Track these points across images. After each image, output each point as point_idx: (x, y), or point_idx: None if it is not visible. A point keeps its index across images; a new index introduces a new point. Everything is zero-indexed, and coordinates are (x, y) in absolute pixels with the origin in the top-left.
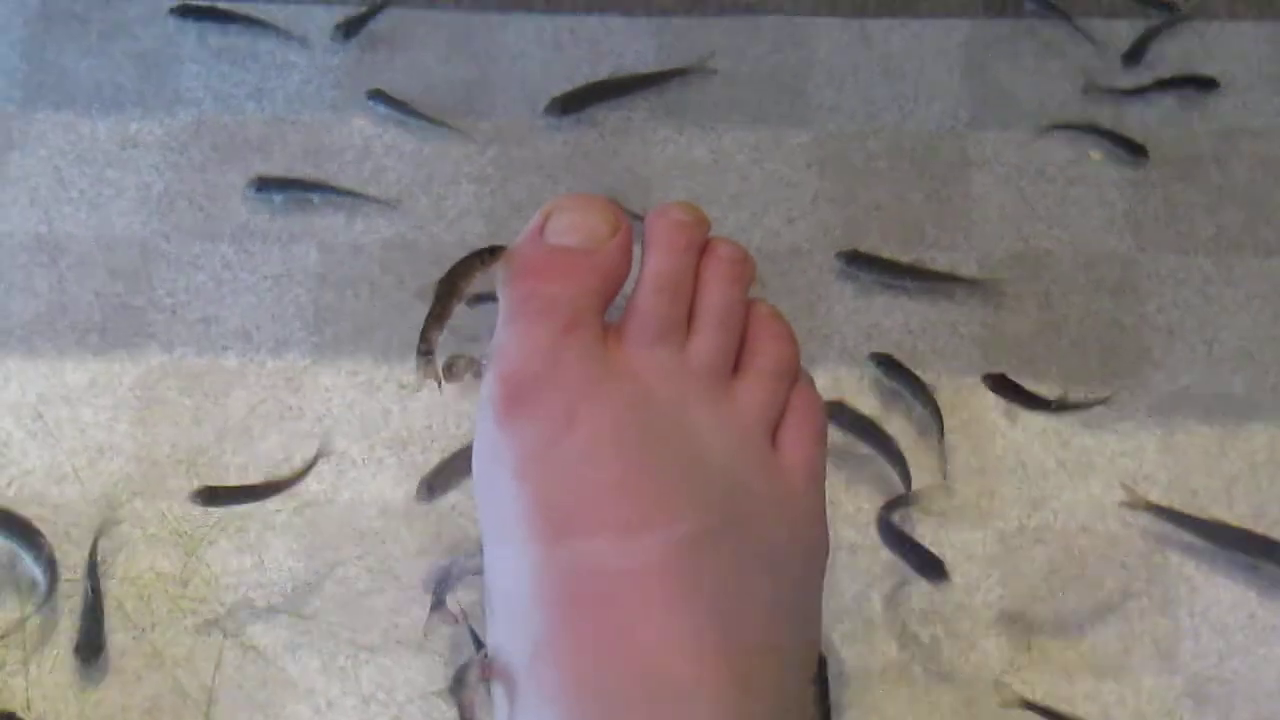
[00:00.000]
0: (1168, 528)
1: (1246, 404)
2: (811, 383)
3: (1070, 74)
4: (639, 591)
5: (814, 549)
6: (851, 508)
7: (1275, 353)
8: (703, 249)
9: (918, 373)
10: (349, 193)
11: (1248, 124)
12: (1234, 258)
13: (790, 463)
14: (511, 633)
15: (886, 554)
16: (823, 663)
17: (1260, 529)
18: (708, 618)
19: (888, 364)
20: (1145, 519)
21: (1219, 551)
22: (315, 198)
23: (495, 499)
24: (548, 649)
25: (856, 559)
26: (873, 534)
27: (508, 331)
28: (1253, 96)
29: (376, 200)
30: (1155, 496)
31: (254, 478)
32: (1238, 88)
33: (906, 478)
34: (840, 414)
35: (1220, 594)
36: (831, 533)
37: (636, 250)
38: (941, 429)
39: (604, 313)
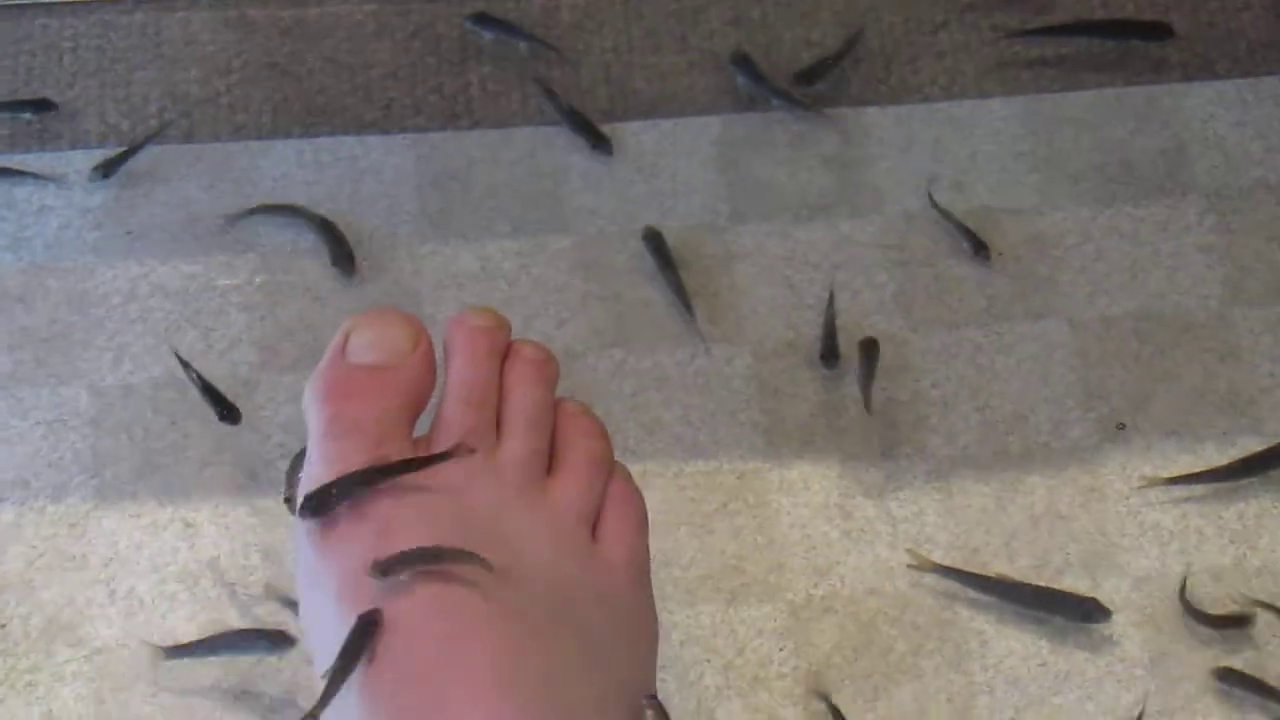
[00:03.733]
0: (955, 585)
1: (1022, 460)
2: (627, 473)
3: (826, 163)
4: (468, 695)
5: (642, 639)
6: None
7: (1047, 412)
8: (505, 353)
9: (701, 463)
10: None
11: (1005, 204)
12: (1004, 326)
13: (613, 554)
14: None
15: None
16: None
17: (1044, 579)
18: (538, 717)
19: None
20: (932, 579)
21: (1007, 606)
22: None
23: (319, 623)
24: None
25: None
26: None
27: (318, 454)
28: (1008, 174)
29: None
30: (938, 557)
31: (38, 627)
32: (992, 166)
33: None
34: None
35: (1012, 645)
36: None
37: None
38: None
39: (412, 427)
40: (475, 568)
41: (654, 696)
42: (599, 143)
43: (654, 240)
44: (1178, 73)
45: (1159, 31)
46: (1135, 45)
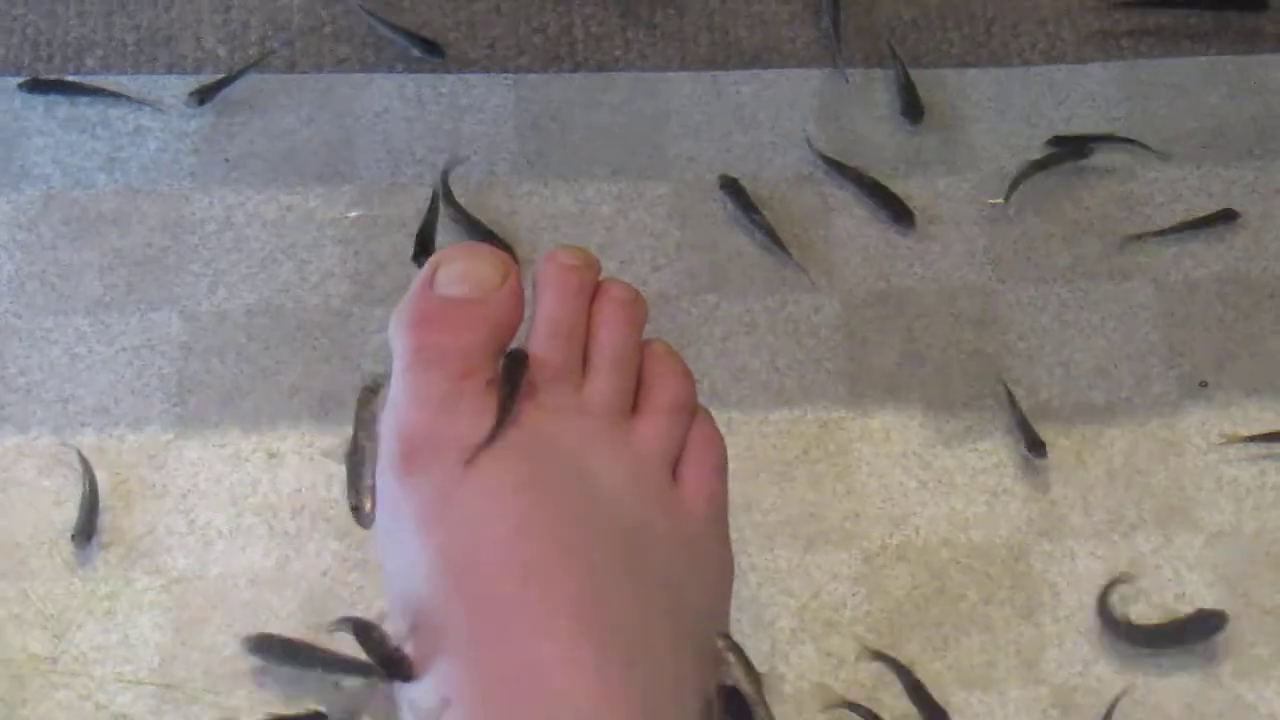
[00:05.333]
0: (1030, 537)
1: (1103, 415)
2: (709, 417)
3: (925, 121)
4: (543, 629)
5: (718, 580)
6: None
7: (1129, 368)
8: (594, 291)
9: (784, 411)
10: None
11: (1099, 163)
12: (1089, 284)
13: (692, 497)
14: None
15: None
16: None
17: (1117, 533)
18: (611, 652)
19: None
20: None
21: (1080, 558)
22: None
23: (399, 551)
24: (453, 681)
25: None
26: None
27: (402, 384)
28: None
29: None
30: (1012, 509)
31: (119, 554)
32: (1089, 129)
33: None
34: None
35: (1083, 598)
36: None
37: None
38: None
39: (497, 360)
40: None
41: (728, 635)
42: (431, 49)
43: (732, 187)
44: (1271, 43)
45: (1253, 3)
46: (1230, 16)
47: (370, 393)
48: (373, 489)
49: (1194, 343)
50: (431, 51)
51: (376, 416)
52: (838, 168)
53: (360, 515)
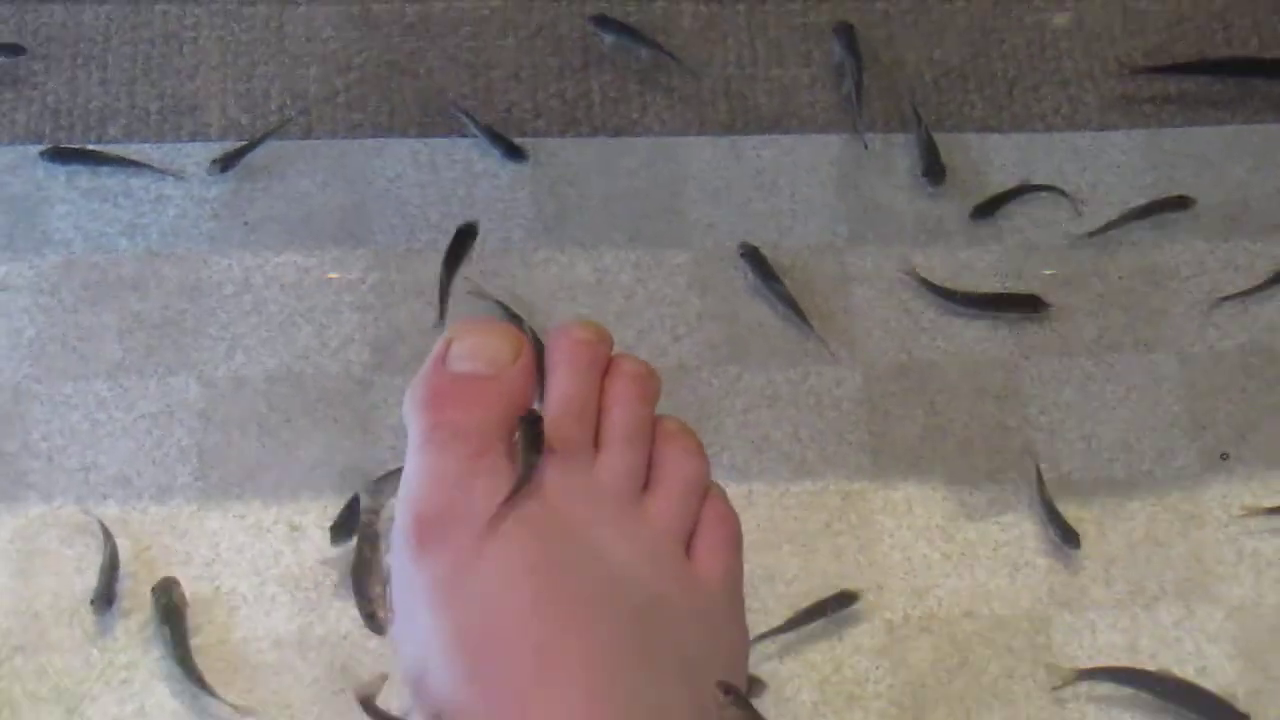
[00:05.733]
0: (1052, 610)
1: (1125, 486)
2: (723, 493)
3: (946, 189)
4: (559, 711)
5: (733, 657)
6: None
7: (1152, 440)
8: (607, 366)
9: (807, 483)
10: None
11: (1123, 235)
12: (1114, 357)
13: (706, 572)
14: None
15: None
16: None
17: (1138, 605)
18: None
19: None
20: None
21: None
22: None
23: (413, 630)
24: None
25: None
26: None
27: (416, 462)
28: (1128, 206)
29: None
30: (1034, 581)
31: (139, 622)
32: (1113, 200)
33: None
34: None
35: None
36: None
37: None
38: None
39: (511, 437)
40: None
41: (725, 682)
42: (512, 152)
43: (752, 256)
44: None
45: (1279, 70)
46: (1255, 84)
47: (371, 500)
48: (384, 595)
49: (1216, 414)
50: (513, 154)
51: (378, 526)
52: (947, 294)
53: (374, 623)
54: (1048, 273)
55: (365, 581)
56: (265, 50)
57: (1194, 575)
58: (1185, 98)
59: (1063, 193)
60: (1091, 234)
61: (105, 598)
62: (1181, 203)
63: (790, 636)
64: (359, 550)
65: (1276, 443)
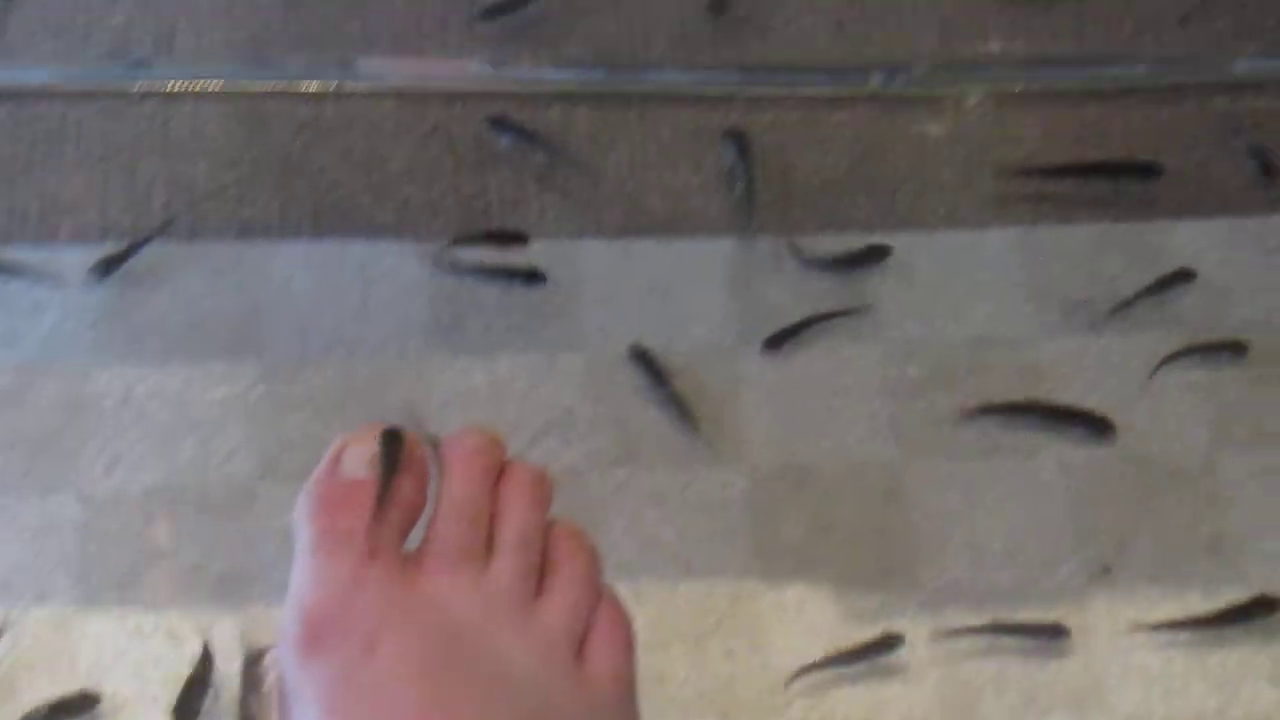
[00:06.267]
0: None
1: (1013, 596)
2: (616, 596)
3: (832, 288)
4: None
5: None
6: None
7: (1036, 548)
8: (500, 472)
9: (695, 582)
10: None
11: (1001, 333)
12: (996, 460)
13: (599, 675)
14: None
15: None
16: None
17: (1031, 715)
18: None
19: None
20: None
21: None
22: None
23: None
24: None
25: None
26: None
27: (305, 566)
28: (1005, 303)
29: None
30: (928, 692)
31: None
32: (990, 295)
33: None
34: None
35: None
36: None
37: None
38: None
39: (402, 542)
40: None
41: None
42: (532, 279)
43: (642, 356)
44: (1166, 210)
45: (1147, 171)
46: (1126, 184)
47: (254, 661)
48: None
49: (1099, 523)
50: (533, 280)
51: (261, 683)
52: (1011, 410)
53: None
54: (921, 374)
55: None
56: (149, 146)
57: (1086, 686)
58: (1059, 198)
59: (855, 311)
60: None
61: None
62: None
63: None
64: (243, 704)
65: (1155, 555)
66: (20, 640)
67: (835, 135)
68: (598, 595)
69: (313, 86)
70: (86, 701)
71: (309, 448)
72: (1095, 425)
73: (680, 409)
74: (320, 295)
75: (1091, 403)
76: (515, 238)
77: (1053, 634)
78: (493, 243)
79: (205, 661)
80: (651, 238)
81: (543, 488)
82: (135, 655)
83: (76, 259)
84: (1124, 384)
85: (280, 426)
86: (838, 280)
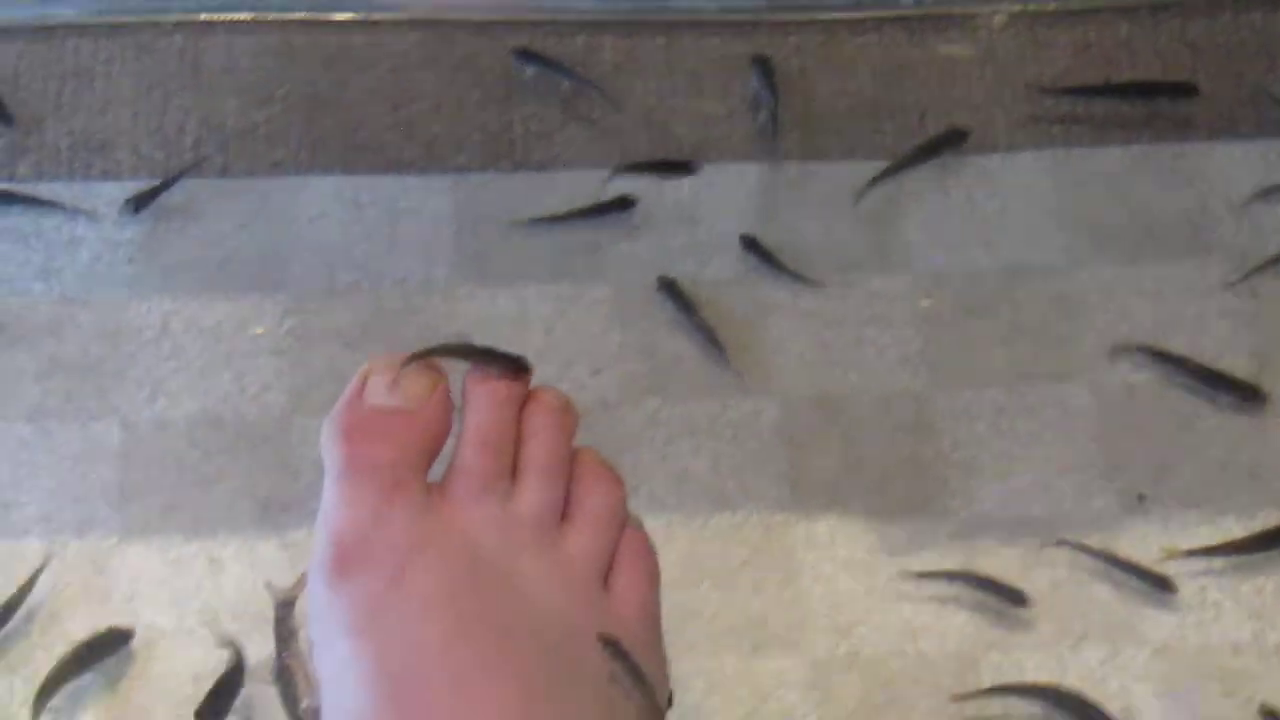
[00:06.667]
0: (978, 648)
1: (1045, 526)
2: (640, 525)
3: (860, 217)
4: None
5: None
6: None
7: (1069, 480)
8: (524, 400)
9: (727, 515)
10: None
11: (1032, 261)
12: (1026, 388)
13: (623, 605)
14: None
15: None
16: None
17: (1064, 645)
18: None
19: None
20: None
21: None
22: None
23: (331, 656)
24: None
25: None
26: None
27: (333, 495)
28: (1037, 230)
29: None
30: (961, 620)
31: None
32: (1021, 221)
33: None
34: None
35: (1033, 712)
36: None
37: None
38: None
39: (428, 470)
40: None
41: (607, 637)
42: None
43: (670, 287)
44: (1202, 132)
45: (1183, 90)
46: (1161, 104)
47: (286, 608)
48: (312, 709)
49: (1132, 453)
50: (625, 206)
51: (296, 632)
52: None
53: (310, 715)
54: (952, 304)
55: (291, 693)
56: (180, 83)
57: (1118, 616)
58: (1093, 119)
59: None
60: None
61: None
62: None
63: (714, 669)
64: (279, 658)
65: (1193, 482)
66: (62, 574)
67: (859, 59)
68: (623, 525)
69: (343, 15)
70: (121, 637)
71: (339, 379)
72: (1244, 391)
73: (709, 337)
74: (348, 229)
75: (1125, 331)
76: (682, 166)
77: (1012, 599)
78: (658, 172)
79: (237, 668)
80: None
81: (568, 415)
82: (174, 585)
83: (110, 194)
84: (1160, 312)
85: (310, 360)
86: (864, 206)
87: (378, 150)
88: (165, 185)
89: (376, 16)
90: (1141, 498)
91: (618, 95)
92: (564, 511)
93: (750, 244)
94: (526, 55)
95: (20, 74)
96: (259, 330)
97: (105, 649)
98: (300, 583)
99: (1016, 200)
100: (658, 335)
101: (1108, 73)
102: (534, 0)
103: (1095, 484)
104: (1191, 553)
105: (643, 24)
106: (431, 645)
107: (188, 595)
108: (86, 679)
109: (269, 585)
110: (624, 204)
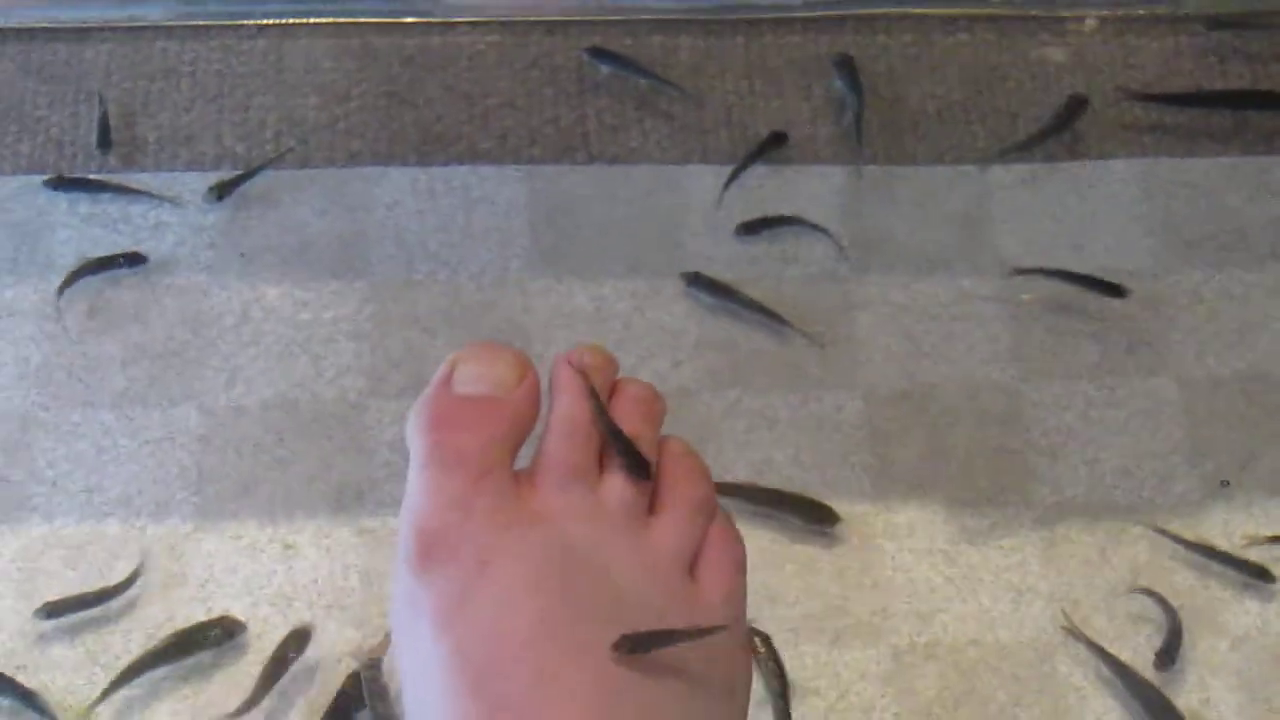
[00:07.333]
0: (1056, 636)
1: (1127, 512)
2: (728, 517)
3: (948, 219)
4: None
5: (737, 681)
6: None
7: (1153, 467)
8: (612, 390)
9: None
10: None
11: (1121, 264)
12: (1115, 381)
13: (710, 596)
14: None
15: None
16: None
17: (1141, 637)
18: None
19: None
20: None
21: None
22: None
23: (414, 647)
24: None
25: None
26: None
27: (419, 483)
28: (1125, 236)
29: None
30: (1038, 609)
31: (140, 641)
32: (1110, 227)
33: None
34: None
35: (1109, 702)
36: None
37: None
38: None
39: (514, 460)
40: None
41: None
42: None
43: (698, 280)
44: None
45: (1273, 103)
46: (1250, 116)
47: (373, 669)
48: None
49: (1217, 441)
50: (779, 141)
51: (387, 689)
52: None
53: None
54: (1030, 296)
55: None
56: (263, 82)
57: (1198, 604)
58: (1182, 129)
59: (825, 232)
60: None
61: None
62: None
63: (793, 660)
64: (373, 712)
65: (1276, 471)
66: (141, 561)
67: (950, 60)
68: (710, 515)
69: (421, 18)
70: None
71: (415, 365)
72: None
73: (764, 312)
74: (424, 218)
75: (1211, 331)
76: (776, 138)
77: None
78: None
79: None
80: (760, 164)
81: (655, 405)
82: (248, 571)
83: (195, 184)
84: (1247, 313)
85: (388, 344)
86: (949, 209)
87: (453, 142)
88: (248, 174)
89: (454, 19)
90: (1225, 484)
91: (696, 92)
92: (651, 501)
93: (694, 280)
94: (600, 54)
95: (111, 72)
96: (337, 312)
97: (213, 640)
98: (385, 642)
99: (1105, 206)
100: (736, 330)
101: (1197, 81)
102: (611, 0)
103: (1179, 470)
104: (1274, 539)
105: (720, 23)
106: (516, 636)
107: (261, 581)
108: (161, 671)
109: (355, 653)
110: (778, 140)
